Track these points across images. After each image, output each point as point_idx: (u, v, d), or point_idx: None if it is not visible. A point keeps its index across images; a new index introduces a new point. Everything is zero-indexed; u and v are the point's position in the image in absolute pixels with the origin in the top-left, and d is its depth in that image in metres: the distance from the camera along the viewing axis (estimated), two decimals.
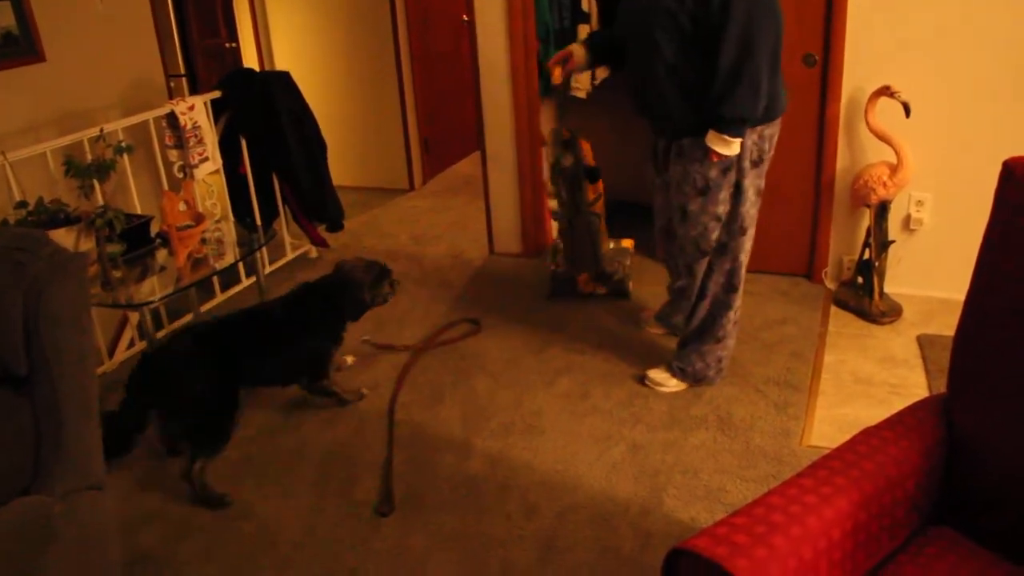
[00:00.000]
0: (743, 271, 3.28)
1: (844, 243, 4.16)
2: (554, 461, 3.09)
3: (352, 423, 3.43)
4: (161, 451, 3.29)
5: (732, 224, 3.13)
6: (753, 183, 3.07)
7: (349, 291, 3.34)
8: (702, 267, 3.25)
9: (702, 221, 3.12)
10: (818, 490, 1.59)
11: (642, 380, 3.52)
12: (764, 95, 2.83)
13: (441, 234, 5.47)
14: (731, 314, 3.33)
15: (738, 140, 2.90)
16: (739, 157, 2.99)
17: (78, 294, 2.18)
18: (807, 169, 4.08)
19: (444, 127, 6.72)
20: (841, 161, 3.98)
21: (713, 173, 3.01)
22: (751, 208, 3.12)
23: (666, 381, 3.47)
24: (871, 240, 3.88)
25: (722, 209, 3.09)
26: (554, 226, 5.06)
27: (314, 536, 2.83)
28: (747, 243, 3.21)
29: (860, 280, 3.99)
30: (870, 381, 3.44)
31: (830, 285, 4.21)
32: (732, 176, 3.03)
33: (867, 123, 3.74)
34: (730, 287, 3.28)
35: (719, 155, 2.93)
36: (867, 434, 1.81)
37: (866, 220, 3.95)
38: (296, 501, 3.00)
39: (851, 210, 4.06)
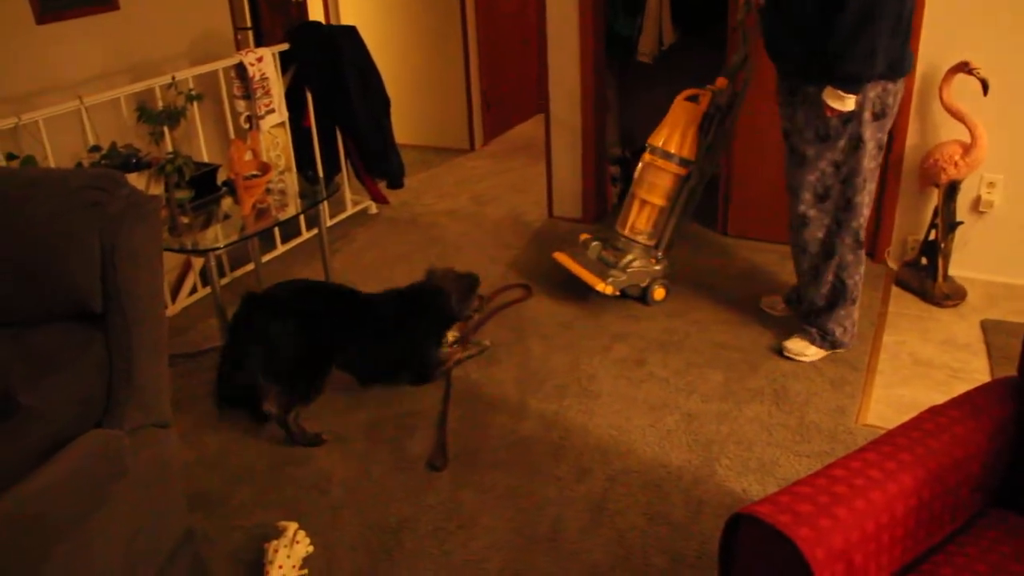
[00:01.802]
0: (865, 228, 3.29)
1: (909, 223, 4.08)
2: (608, 426, 3.10)
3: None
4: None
5: (855, 177, 3.14)
6: (874, 136, 3.08)
7: (438, 299, 3.39)
8: (820, 216, 3.26)
9: (819, 166, 3.16)
10: (883, 465, 1.58)
11: (780, 352, 3.50)
12: (881, 57, 2.85)
13: (500, 195, 5.47)
14: (862, 269, 3.35)
15: (853, 97, 2.93)
16: (861, 109, 3.00)
17: (152, 235, 2.22)
18: None
19: (506, 88, 6.70)
20: (911, 138, 3.90)
21: (834, 122, 3.05)
22: (871, 161, 3.13)
23: (805, 350, 3.45)
24: (938, 221, 3.81)
25: (840, 157, 3.12)
26: (614, 192, 5.04)
27: (366, 486, 2.87)
28: (868, 198, 3.22)
29: (924, 261, 3.92)
30: (930, 363, 3.40)
31: (892, 265, 4.15)
32: (853, 127, 3.05)
33: (941, 100, 3.66)
34: (857, 245, 3.29)
35: (833, 110, 2.97)
36: (934, 412, 1.80)
37: (934, 200, 3.88)
38: (350, 451, 3.05)
39: (919, 189, 3.99)
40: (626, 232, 3.93)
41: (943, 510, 1.66)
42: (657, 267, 3.88)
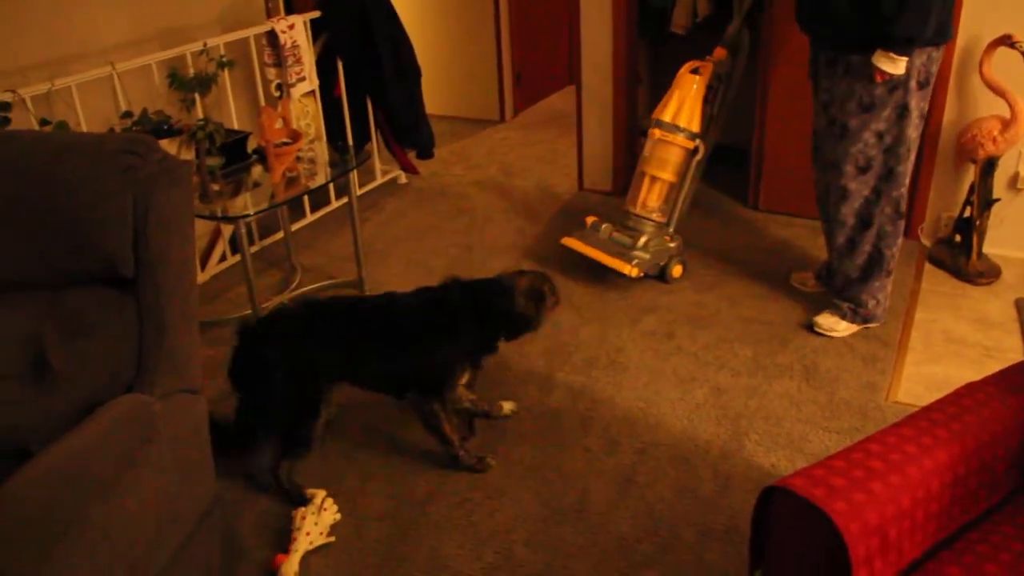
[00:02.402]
0: (905, 198, 3.25)
1: (943, 199, 4.02)
2: (636, 398, 3.09)
3: None
4: None
5: (899, 147, 3.10)
6: (918, 105, 3.05)
7: (507, 302, 2.73)
8: (860, 187, 3.20)
9: (863, 137, 3.10)
10: (919, 440, 1.56)
11: (810, 327, 3.47)
12: (934, 17, 2.80)
13: (530, 167, 5.44)
14: (900, 241, 3.31)
15: (904, 59, 2.87)
16: (907, 77, 2.95)
17: (184, 200, 2.21)
18: None
19: (536, 60, 6.64)
20: (949, 113, 3.84)
21: (879, 91, 2.99)
22: (914, 131, 3.09)
23: (836, 325, 3.43)
24: (974, 197, 3.75)
25: (883, 127, 3.07)
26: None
27: (394, 456, 2.88)
28: (910, 167, 3.18)
29: (958, 238, 3.86)
30: (963, 341, 3.36)
31: (925, 242, 4.09)
32: (899, 95, 3.00)
33: (981, 74, 3.60)
34: (897, 215, 3.24)
35: (884, 74, 2.91)
36: (972, 388, 1.77)
37: (970, 176, 3.81)
38: (380, 418, 3.06)
39: (955, 165, 3.92)
40: (637, 210, 3.86)
41: (979, 487, 1.64)
42: (672, 244, 3.84)
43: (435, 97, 6.00)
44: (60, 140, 2.36)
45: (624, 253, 3.75)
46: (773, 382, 3.15)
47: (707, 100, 3.72)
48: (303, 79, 4.25)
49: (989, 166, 3.67)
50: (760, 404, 3.03)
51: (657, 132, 3.76)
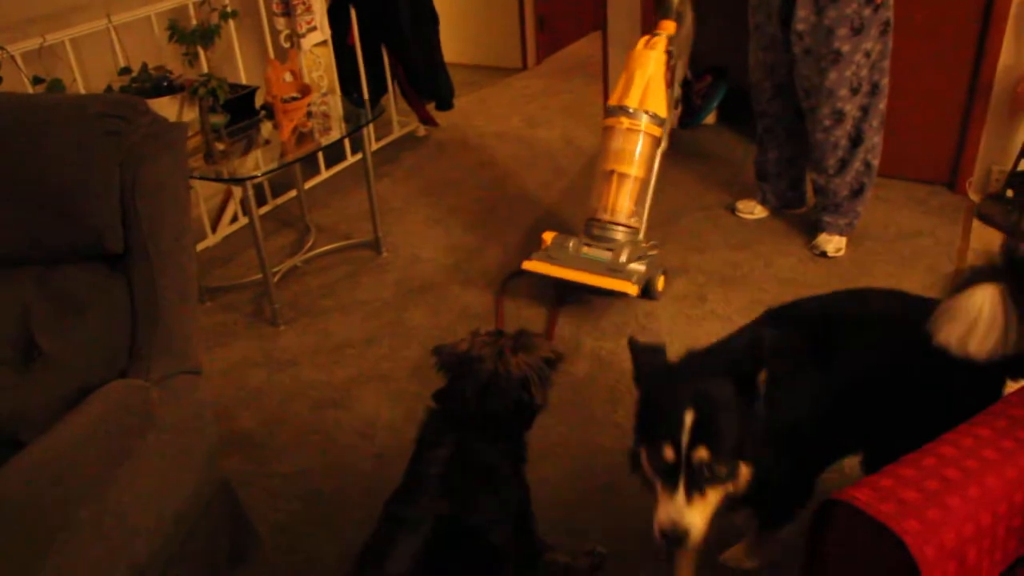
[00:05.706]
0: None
1: (995, 151, 3.77)
2: None
3: (453, 312, 3.31)
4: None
5: (883, 61, 3.23)
6: (891, 17, 3.18)
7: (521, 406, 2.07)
8: (852, 109, 3.28)
9: (855, 60, 3.18)
10: (998, 444, 1.37)
11: (812, 250, 3.55)
12: None
13: (553, 118, 5.21)
14: (879, 154, 3.45)
15: None
16: None
17: (177, 167, 2.04)
18: (962, 64, 3.68)
19: (560, 4, 6.36)
20: (1005, 58, 3.57)
21: (867, 12, 3.09)
22: (890, 41, 3.23)
23: (840, 243, 3.53)
24: None
25: (870, 45, 3.17)
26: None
27: (412, 431, 2.72)
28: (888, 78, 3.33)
29: (1010, 193, 3.63)
30: None
31: (974, 197, 3.85)
32: (883, 12, 3.12)
33: None
34: (882, 124, 3.37)
35: None
36: None
37: None
38: (395, 393, 2.91)
39: (1009, 114, 3.67)
40: (608, 217, 3.28)
41: None
42: (654, 252, 3.28)
43: (453, 44, 5.74)
44: (41, 103, 2.19)
45: (613, 271, 3.16)
46: None
47: (666, 81, 3.32)
48: (314, 29, 4.03)
49: None
50: None
51: (625, 121, 3.25)
